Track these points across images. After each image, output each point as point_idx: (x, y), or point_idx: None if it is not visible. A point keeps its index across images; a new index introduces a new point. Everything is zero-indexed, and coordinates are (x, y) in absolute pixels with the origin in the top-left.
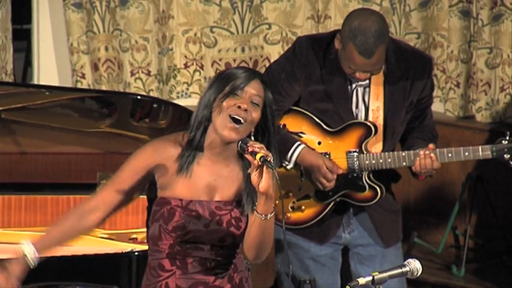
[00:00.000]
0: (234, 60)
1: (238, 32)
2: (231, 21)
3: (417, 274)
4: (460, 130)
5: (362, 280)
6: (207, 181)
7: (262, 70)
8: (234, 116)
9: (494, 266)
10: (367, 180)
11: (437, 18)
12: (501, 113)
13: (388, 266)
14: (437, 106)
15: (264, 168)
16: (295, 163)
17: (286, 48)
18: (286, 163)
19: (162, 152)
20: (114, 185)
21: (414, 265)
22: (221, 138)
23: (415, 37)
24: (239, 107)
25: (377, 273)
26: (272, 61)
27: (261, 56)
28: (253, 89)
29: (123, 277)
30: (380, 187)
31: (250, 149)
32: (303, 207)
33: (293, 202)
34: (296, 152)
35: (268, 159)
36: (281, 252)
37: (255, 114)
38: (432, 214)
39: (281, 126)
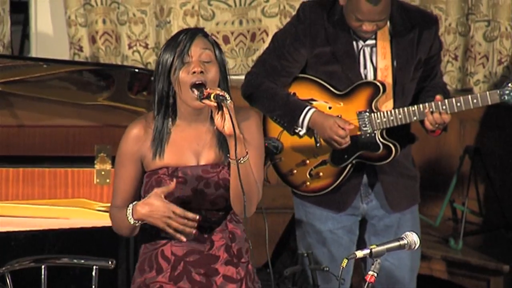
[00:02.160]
0: (232, 33)
1: (235, 5)
2: None
3: (414, 247)
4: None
5: (359, 253)
6: (190, 146)
7: (261, 43)
8: (194, 83)
9: (491, 239)
10: (381, 139)
11: None
12: (499, 86)
13: None
14: None
15: (224, 109)
16: (308, 128)
17: (284, 21)
18: (299, 129)
19: (141, 143)
20: (121, 192)
21: (412, 238)
22: (193, 108)
23: None
24: (193, 72)
25: (375, 246)
26: (270, 34)
27: (259, 29)
28: (197, 47)
29: (121, 250)
30: (394, 144)
31: (205, 93)
32: (320, 174)
33: (311, 170)
34: (307, 116)
35: (221, 94)
36: (299, 228)
37: (213, 70)
38: (429, 187)
39: (291, 94)
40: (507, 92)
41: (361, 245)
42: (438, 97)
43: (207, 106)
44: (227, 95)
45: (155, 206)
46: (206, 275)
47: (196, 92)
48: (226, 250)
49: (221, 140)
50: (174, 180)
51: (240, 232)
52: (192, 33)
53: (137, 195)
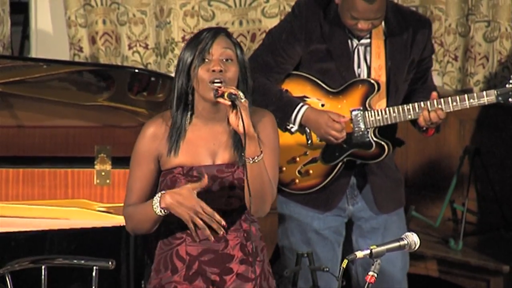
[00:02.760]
0: (232, 34)
1: (235, 6)
2: None
3: (414, 247)
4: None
5: (360, 254)
6: (206, 146)
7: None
8: (213, 81)
9: (491, 239)
10: (373, 137)
11: None
12: (498, 86)
13: (390, 239)
14: (434, 80)
15: (240, 108)
16: (300, 125)
17: None
18: (291, 125)
19: (158, 141)
20: (136, 191)
21: (412, 239)
22: (211, 103)
23: None
24: (213, 71)
25: (375, 246)
26: None
27: (259, 30)
28: (219, 46)
29: (121, 251)
30: (387, 143)
31: (220, 92)
32: (310, 171)
33: (301, 167)
34: (300, 113)
35: (234, 92)
36: (282, 224)
37: (233, 69)
38: (429, 188)
39: (284, 91)
40: (504, 92)
41: (347, 246)
42: (434, 93)
43: (222, 105)
44: (241, 94)
45: (185, 196)
46: (221, 274)
47: (212, 92)
48: (241, 249)
49: (237, 140)
50: (206, 175)
51: (255, 231)
52: (214, 32)
53: (153, 195)
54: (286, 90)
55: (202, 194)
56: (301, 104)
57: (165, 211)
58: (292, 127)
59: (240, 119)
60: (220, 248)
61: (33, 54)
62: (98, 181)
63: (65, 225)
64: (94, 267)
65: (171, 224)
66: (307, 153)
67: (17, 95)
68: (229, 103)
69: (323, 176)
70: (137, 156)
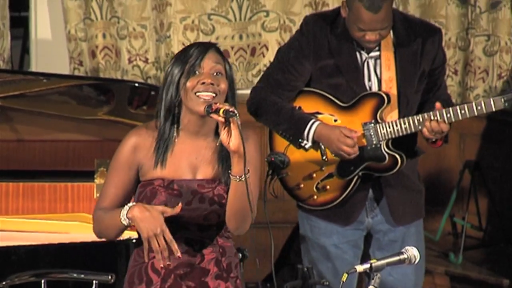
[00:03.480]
0: (232, 48)
1: (235, 20)
2: (229, 8)
3: (414, 261)
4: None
5: (359, 268)
6: (188, 160)
7: (260, 58)
8: (202, 93)
9: (492, 253)
10: (386, 149)
11: (434, 5)
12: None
13: None
14: None
15: (232, 125)
16: (313, 141)
17: (284, 35)
18: (305, 142)
19: (140, 152)
20: (109, 196)
21: (412, 253)
22: (197, 115)
23: None
24: (203, 83)
25: (375, 260)
26: (270, 48)
27: (259, 44)
28: (210, 61)
29: (120, 265)
30: (400, 155)
31: (214, 108)
32: (327, 187)
33: (318, 183)
34: (312, 129)
35: (231, 109)
36: (304, 241)
37: (223, 84)
38: (429, 202)
39: (297, 108)
40: (510, 98)
41: (366, 259)
42: (437, 104)
43: (209, 120)
44: (236, 111)
45: (153, 216)
46: None
47: (205, 107)
48: (216, 264)
49: (222, 157)
50: (180, 204)
51: (230, 247)
52: (205, 47)
53: (126, 202)
54: (299, 107)
55: (183, 208)
56: (313, 120)
57: (129, 222)
58: (305, 144)
59: (233, 136)
60: (196, 262)
61: (33, 68)
62: (98, 195)
63: (65, 239)
64: (94, 281)
65: None
66: (323, 168)
67: (17, 109)
68: (223, 119)
69: (340, 191)
70: (116, 163)
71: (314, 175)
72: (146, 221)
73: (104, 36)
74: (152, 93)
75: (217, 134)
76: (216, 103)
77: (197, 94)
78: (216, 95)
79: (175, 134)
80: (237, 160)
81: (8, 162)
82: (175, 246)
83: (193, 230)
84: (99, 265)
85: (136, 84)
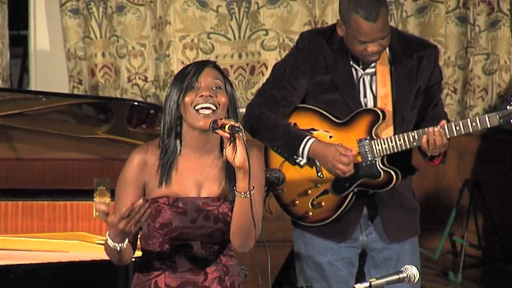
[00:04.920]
0: (231, 66)
1: (235, 38)
2: (228, 27)
3: (414, 280)
4: (457, 136)
5: (359, 286)
6: (193, 177)
7: (260, 77)
8: (201, 106)
9: (491, 272)
10: (381, 166)
11: (434, 24)
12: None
13: None
14: None
15: (238, 141)
16: (308, 158)
17: (283, 54)
18: (299, 159)
19: (145, 170)
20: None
21: (411, 271)
22: (199, 131)
23: None
24: (201, 96)
25: (374, 279)
26: (269, 67)
27: (258, 62)
28: (207, 76)
29: (119, 284)
30: (395, 171)
31: (219, 124)
32: (322, 203)
33: (313, 199)
34: (307, 146)
35: (236, 125)
36: (298, 260)
37: (223, 97)
38: (428, 220)
39: (292, 125)
40: (506, 114)
41: (360, 277)
42: (443, 121)
43: (212, 136)
44: (241, 127)
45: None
46: None
47: (210, 123)
48: (220, 282)
49: (228, 174)
50: (142, 199)
51: (234, 266)
52: (202, 64)
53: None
54: (294, 124)
55: (186, 226)
56: (308, 137)
57: (113, 240)
58: (300, 161)
59: (239, 152)
60: (200, 280)
61: (32, 87)
62: (97, 213)
63: (64, 258)
64: None
65: (149, 254)
66: (318, 185)
67: (16, 128)
68: (228, 135)
69: (335, 207)
70: (124, 183)
71: (309, 191)
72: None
73: (103, 54)
74: (152, 111)
75: (222, 150)
76: (221, 119)
77: (196, 108)
78: (216, 108)
79: (178, 151)
80: (242, 176)
81: (7, 181)
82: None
83: (197, 248)
84: (98, 285)
85: (136, 103)
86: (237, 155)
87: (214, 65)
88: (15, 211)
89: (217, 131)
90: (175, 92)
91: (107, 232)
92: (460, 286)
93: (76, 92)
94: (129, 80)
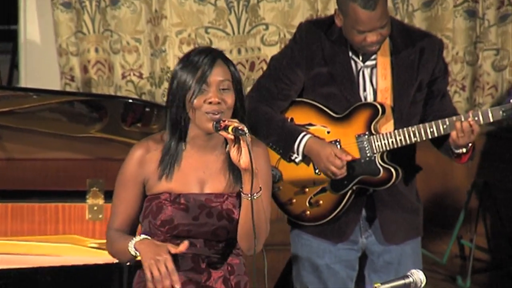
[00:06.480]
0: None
1: (234, 33)
2: (227, 21)
3: (420, 285)
4: None
5: None
6: (196, 173)
7: (260, 73)
8: (209, 112)
9: (500, 277)
10: (381, 162)
11: (441, 18)
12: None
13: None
14: None
15: (242, 142)
16: (303, 155)
17: None
18: (295, 155)
19: (145, 165)
20: (120, 214)
21: (418, 276)
22: (205, 132)
23: None
24: (210, 102)
25: (379, 284)
26: None
27: (258, 58)
28: (217, 76)
29: None
30: (395, 168)
31: (222, 125)
32: (320, 202)
33: (310, 198)
34: (302, 143)
35: (240, 127)
36: (295, 262)
37: (230, 99)
38: (436, 223)
39: (289, 120)
40: (509, 108)
41: (359, 281)
42: (471, 112)
43: (216, 134)
44: (245, 128)
45: (160, 248)
46: None
47: (213, 123)
48: (224, 282)
49: (231, 171)
50: (186, 242)
51: (240, 264)
52: (212, 58)
53: (136, 218)
54: (291, 118)
55: (188, 223)
56: (303, 133)
57: (136, 252)
58: (296, 158)
59: (243, 154)
60: (203, 280)
61: (23, 84)
62: (90, 216)
63: (56, 262)
64: None
65: None
66: (316, 183)
67: (6, 127)
68: (232, 137)
69: (334, 206)
70: (123, 179)
71: (307, 189)
72: (150, 252)
73: (96, 50)
74: (147, 109)
75: (225, 144)
76: (224, 120)
77: (203, 111)
78: (223, 113)
79: (182, 148)
80: (248, 178)
81: None
82: (176, 276)
83: (200, 246)
84: None
85: (130, 100)
86: (242, 157)
87: (222, 57)
88: (4, 213)
89: (220, 132)
90: (182, 86)
91: (134, 243)
92: None
93: (68, 89)
94: (124, 76)
